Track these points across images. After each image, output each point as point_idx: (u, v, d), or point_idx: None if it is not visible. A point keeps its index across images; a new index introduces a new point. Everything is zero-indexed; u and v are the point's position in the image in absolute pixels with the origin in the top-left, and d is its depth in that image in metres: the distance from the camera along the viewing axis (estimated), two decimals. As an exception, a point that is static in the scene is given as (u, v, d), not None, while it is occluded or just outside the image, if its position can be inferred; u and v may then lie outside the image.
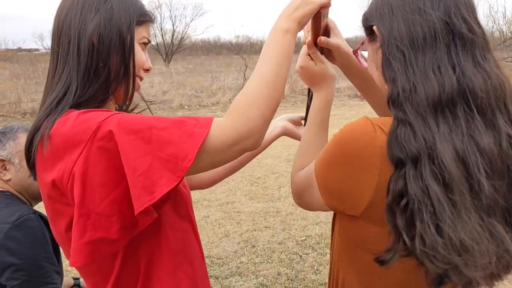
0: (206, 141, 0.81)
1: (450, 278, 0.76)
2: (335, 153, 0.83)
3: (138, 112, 1.07)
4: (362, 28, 0.94)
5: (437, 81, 0.76)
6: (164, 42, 29.34)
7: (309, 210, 0.98)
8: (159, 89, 14.60)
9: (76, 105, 0.90)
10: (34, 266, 1.44)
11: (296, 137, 1.34)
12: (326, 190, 0.87)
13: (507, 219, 0.78)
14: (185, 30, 34.72)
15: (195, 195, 3.64)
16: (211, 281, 3.24)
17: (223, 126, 0.83)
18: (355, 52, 1.01)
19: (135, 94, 1.00)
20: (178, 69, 21.13)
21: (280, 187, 5.31)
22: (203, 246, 1.10)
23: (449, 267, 0.74)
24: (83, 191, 0.81)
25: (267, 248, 3.79)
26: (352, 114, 10.51)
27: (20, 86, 13.38)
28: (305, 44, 1.12)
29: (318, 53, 1.09)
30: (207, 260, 3.46)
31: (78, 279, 1.81)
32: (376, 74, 0.90)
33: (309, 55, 1.09)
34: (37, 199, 1.64)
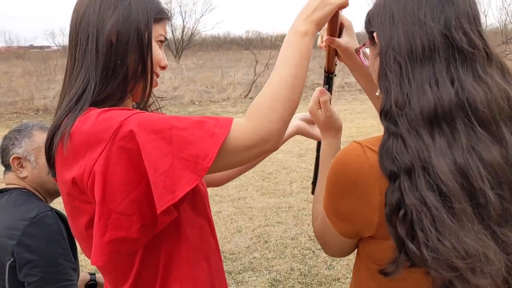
0: (226, 142, 0.81)
1: (456, 287, 0.74)
2: (334, 184, 0.84)
3: (154, 110, 1.07)
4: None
5: (433, 94, 0.75)
6: (174, 38, 29.35)
7: (337, 255, 0.98)
8: (169, 85, 14.64)
9: (95, 103, 0.90)
10: (51, 263, 1.45)
11: (309, 135, 1.34)
12: (337, 221, 0.87)
13: None
14: (195, 26, 34.76)
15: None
16: (224, 276, 3.25)
17: (243, 127, 0.83)
18: (357, 51, 1.01)
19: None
20: (188, 65, 21.18)
21: (291, 182, 5.30)
22: (215, 242, 1.10)
23: (454, 275, 0.72)
24: (104, 190, 0.82)
25: (279, 243, 3.80)
26: (363, 108, 10.45)
27: (32, 83, 13.51)
28: (321, 48, 1.14)
29: (328, 104, 1.10)
30: (220, 256, 3.47)
31: (94, 274, 1.82)
32: (374, 76, 0.90)
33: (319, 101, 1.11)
34: (53, 195, 1.65)
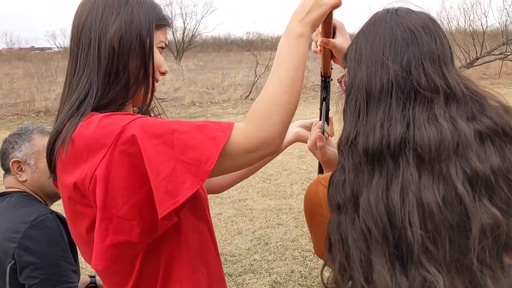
0: (227, 145, 0.81)
1: None
2: (305, 215, 0.96)
3: (158, 115, 1.08)
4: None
5: (381, 133, 0.77)
6: (175, 39, 29.37)
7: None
8: (170, 86, 14.66)
9: (96, 108, 0.91)
10: (51, 265, 1.45)
11: None
12: (314, 246, 0.97)
13: (458, 269, 0.75)
14: (196, 27, 34.72)
15: (208, 192, 3.65)
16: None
17: (244, 131, 0.84)
18: (339, 81, 1.02)
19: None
20: (189, 66, 21.19)
21: (292, 184, 5.30)
22: (216, 244, 1.11)
23: None
24: (105, 194, 0.82)
25: (280, 245, 3.80)
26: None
27: (33, 85, 13.52)
28: (316, 52, 1.16)
29: (325, 149, 1.13)
30: (220, 258, 3.47)
31: (94, 277, 1.82)
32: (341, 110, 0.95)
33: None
34: (53, 198, 1.65)
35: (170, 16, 1.04)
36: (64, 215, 1.02)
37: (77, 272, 1.55)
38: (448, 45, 0.83)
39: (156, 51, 0.97)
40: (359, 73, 0.82)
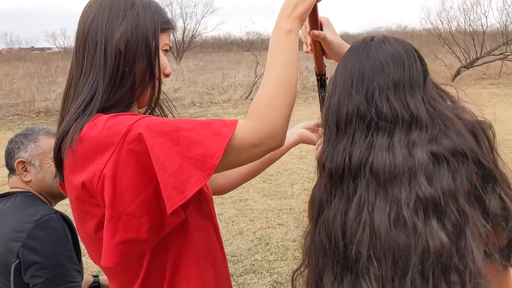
0: (232, 140, 0.83)
1: None
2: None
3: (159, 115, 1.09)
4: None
5: (342, 157, 0.85)
6: (175, 39, 29.38)
7: None
8: (170, 86, 14.66)
9: (102, 110, 0.92)
10: (56, 265, 1.46)
11: (313, 143, 1.35)
12: None
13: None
14: (196, 28, 34.78)
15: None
16: (226, 278, 3.26)
17: (248, 127, 0.85)
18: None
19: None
20: (189, 67, 21.20)
21: (293, 184, 5.31)
22: (218, 244, 1.12)
23: None
24: (114, 193, 0.84)
25: (281, 245, 3.81)
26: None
27: (34, 85, 13.53)
28: (308, 53, 1.19)
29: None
30: (221, 258, 3.48)
31: (98, 276, 1.83)
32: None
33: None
34: (57, 198, 1.66)
35: (170, 16, 1.06)
36: (69, 215, 1.03)
37: (80, 271, 1.56)
38: (422, 69, 0.88)
39: (161, 54, 0.98)
40: (333, 100, 0.89)
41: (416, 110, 0.83)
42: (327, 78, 1.30)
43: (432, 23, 18.97)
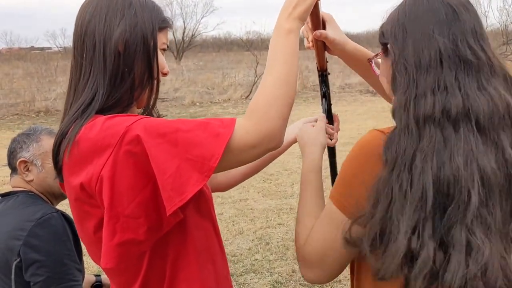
0: (231, 141, 0.83)
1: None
2: (351, 159, 0.89)
3: (161, 116, 1.09)
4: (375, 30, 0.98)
5: (434, 100, 0.81)
6: (175, 39, 29.35)
7: (327, 274, 1.01)
8: (170, 86, 14.67)
9: (101, 110, 0.92)
10: (57, 263, 1.47)
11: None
12: (340, 197, 0.89)
13: (502, 237, 0.79)
14: (196, 27, 34.81)
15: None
16: (226, 277, 3.26)
17: (247, 127, 0.85)
18: (369, 60, 1.06)
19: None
20: (189, 66, 21.23)
21: (293, 184, 5.32)
22: (218, 244, 1.12)
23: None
24: (112, 194, 0.84)
25: (281, 245, 3.81)
26: (364, 110, 10.46)
27: (34, 85, 13.52)
28: (309, 48, 1.19)
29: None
30: (222, 257, 3.48)
31: (99, 276, 1.84)
32: (386, 86, 0.96)
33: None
34: (59, 198, 1.67)
35: (170, 16, 1.05)
36: (70, 214, 1.03)
37: (81, 270, 1.56)
38: (481, 23, 0.88)
39: (159, 53, 0.98)
40: (406, 47, 0.86)
41: (492, 58, 0.85)
42: (329, 74, 1.30)
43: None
